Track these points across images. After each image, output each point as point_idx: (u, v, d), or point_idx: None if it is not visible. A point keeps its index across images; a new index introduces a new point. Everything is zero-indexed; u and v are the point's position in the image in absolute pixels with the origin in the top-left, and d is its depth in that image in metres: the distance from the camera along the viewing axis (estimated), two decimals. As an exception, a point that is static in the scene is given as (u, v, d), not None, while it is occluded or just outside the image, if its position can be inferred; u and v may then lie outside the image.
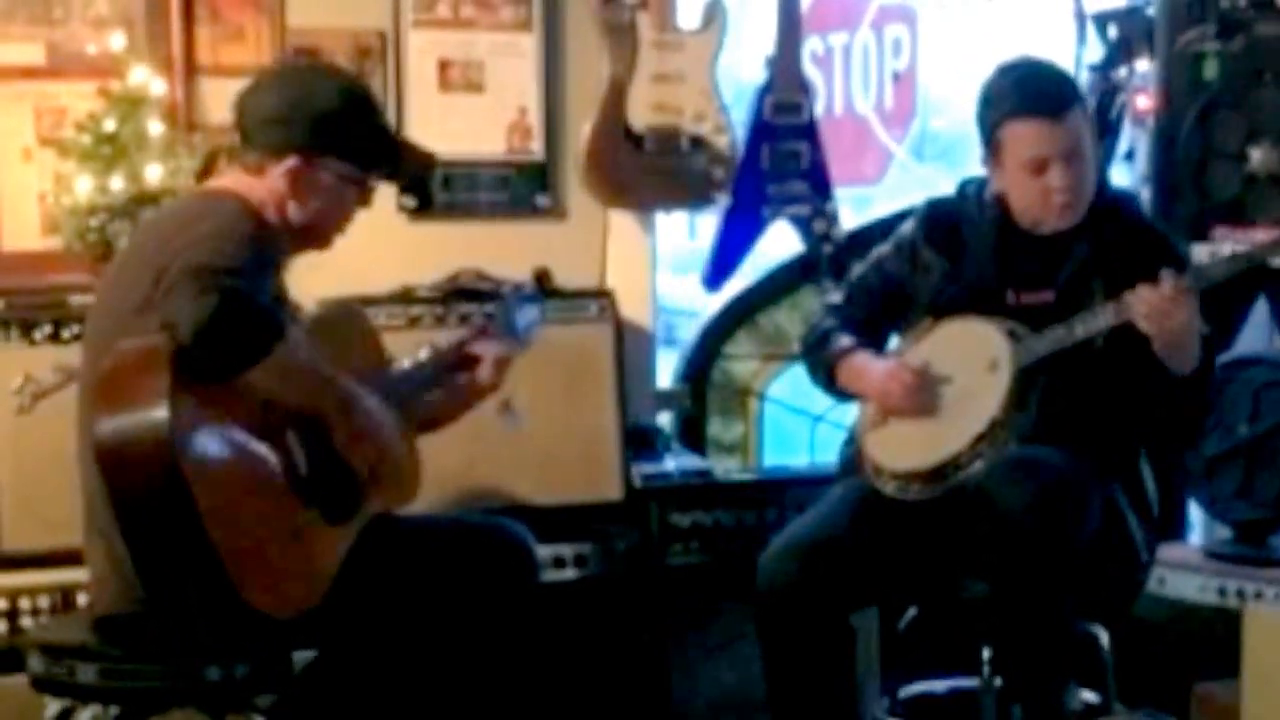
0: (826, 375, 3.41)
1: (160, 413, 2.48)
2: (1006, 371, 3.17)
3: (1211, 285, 3.06)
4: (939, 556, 3.24)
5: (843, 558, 3.22)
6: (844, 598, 3.26)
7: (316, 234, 3.02)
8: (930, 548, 3.24)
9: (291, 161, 2.92)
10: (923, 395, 3.26)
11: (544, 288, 3.61)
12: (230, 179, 2.99)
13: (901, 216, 3.58)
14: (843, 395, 3.45)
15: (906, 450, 3.27)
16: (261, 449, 2.71)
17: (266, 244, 2.77)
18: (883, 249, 3.48)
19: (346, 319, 3.16)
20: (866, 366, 3.35)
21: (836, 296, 3.53)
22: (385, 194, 4.07)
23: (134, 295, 2.74)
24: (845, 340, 3.39)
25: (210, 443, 2.60)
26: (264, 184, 2.93)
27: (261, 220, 2.86)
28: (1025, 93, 3.22)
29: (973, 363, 3.23)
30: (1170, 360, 3.06)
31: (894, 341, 3.45)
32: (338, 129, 2.95)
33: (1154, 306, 3.01)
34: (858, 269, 3.53)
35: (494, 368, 3.20)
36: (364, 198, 3.05)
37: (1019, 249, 3.30)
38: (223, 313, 2.50)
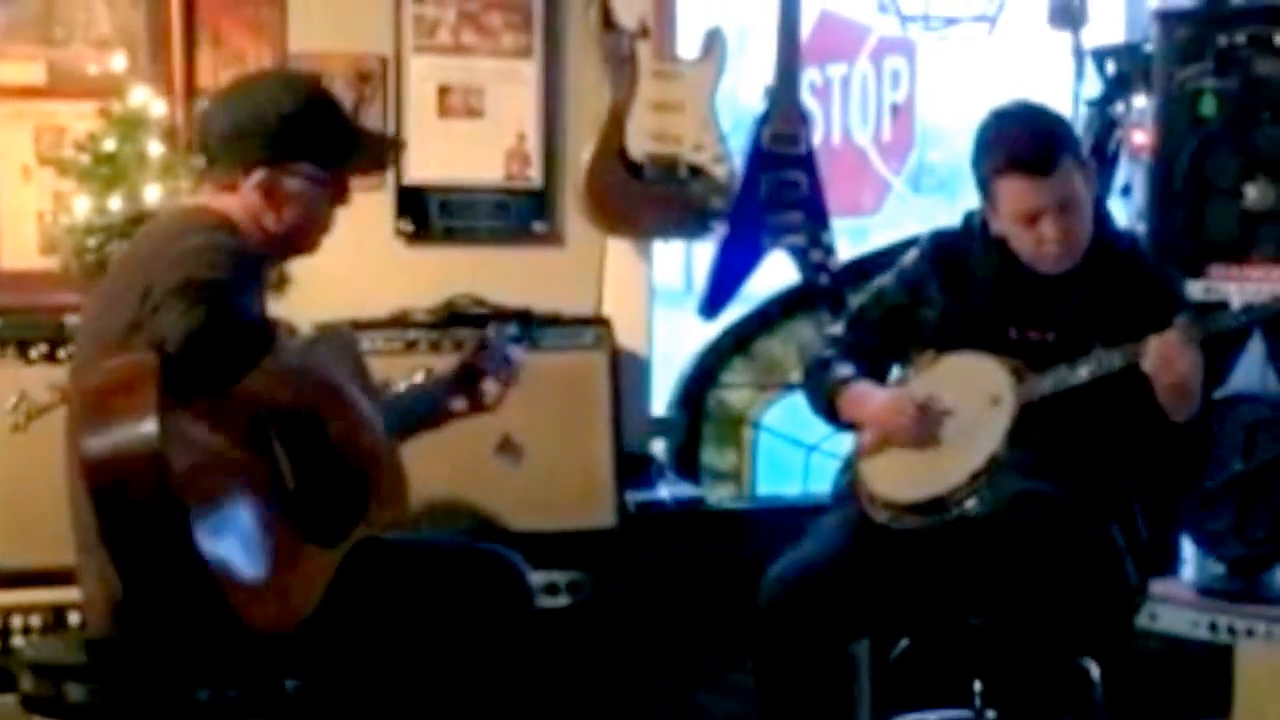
0: (827, 403, 3.39)
1: (149, 427, 2.47)
2: (1008, 408, 3.16)
3: (1219, 334, 3.06)
4: (935, 587, 3.23)
5: (844, 585, 3.21)
6: (845, 626, 3.25)
7: (298, 239, 3.00)
8: (926, 578, 3.23)
9: (259, 174, 2.89)
10: (924, 426, 3.24)
11: (527, 327, 3.60)
12: (206, 196, 2.98)
13: (900, 247, 3.58)
14: (842, 424, 3.44)
15: (903, 481, 3.26)
16: (248, 464, 2.70)
17: (248, 258, 2.77)
18: (884, 279, 3.46)
19: (339, 344, 3.15)
20: (869, 395, 3.33)
21: (837, 327, 3.52)
22: (382, 218, 4.10)
23: (121, 315, 2.72)
24: (845, 369, 3.38)
25: (197, 456, 2.59)
26: (237, 199, 2.91)
27: (241, 235, 2.86)
28: (1014, 151, 3.17)
29: (975, 397, 3.22)
30: (1170, 407, 3.06)
31: (895, 372, 3.45)
32: (298, 132, 2.92)
33: (1161, 354, 3.01)
34: (858, 299, 3.52)
35: (499, 400, 3.20)
36: (339, 196, 3.00)
37: (1022, 285, 3.28)
38: (210, 326, 2.50)
